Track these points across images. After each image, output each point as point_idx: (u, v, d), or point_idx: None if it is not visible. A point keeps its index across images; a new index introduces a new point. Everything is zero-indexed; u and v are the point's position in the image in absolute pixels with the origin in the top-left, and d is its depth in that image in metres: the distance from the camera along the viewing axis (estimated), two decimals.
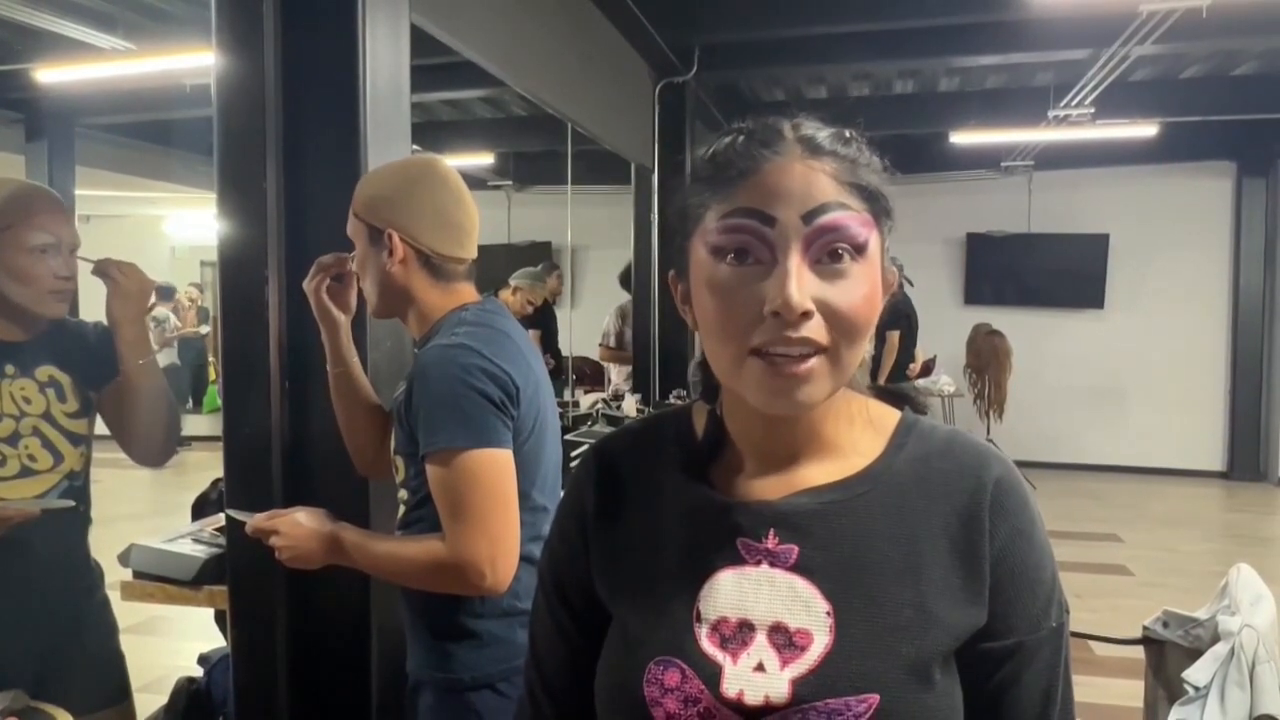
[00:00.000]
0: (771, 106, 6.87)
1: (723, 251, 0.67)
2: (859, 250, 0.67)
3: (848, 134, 0.70)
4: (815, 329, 0.65)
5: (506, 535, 1.30)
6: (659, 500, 0.76)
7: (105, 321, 1.74)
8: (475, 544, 1.28)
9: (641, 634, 0.71)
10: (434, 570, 1.31)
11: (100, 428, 1.78)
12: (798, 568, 0.69)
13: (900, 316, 6.18)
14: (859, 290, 0.66)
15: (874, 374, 6.06)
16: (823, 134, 0.69)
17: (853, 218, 0.66)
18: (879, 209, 0.69)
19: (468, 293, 1.47)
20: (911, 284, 6.34)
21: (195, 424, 9.47)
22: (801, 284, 0.64)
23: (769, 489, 0.73)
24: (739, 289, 0.66)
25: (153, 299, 1.71)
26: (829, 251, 0.66)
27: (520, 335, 1.46)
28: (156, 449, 1.80)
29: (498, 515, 1.30)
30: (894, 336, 6.16)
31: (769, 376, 0.65)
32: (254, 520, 1.40)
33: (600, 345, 6.02)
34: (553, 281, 5.98)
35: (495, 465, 1.30)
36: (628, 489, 0.78)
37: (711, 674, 0.67)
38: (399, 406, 1.39)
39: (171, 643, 3.96)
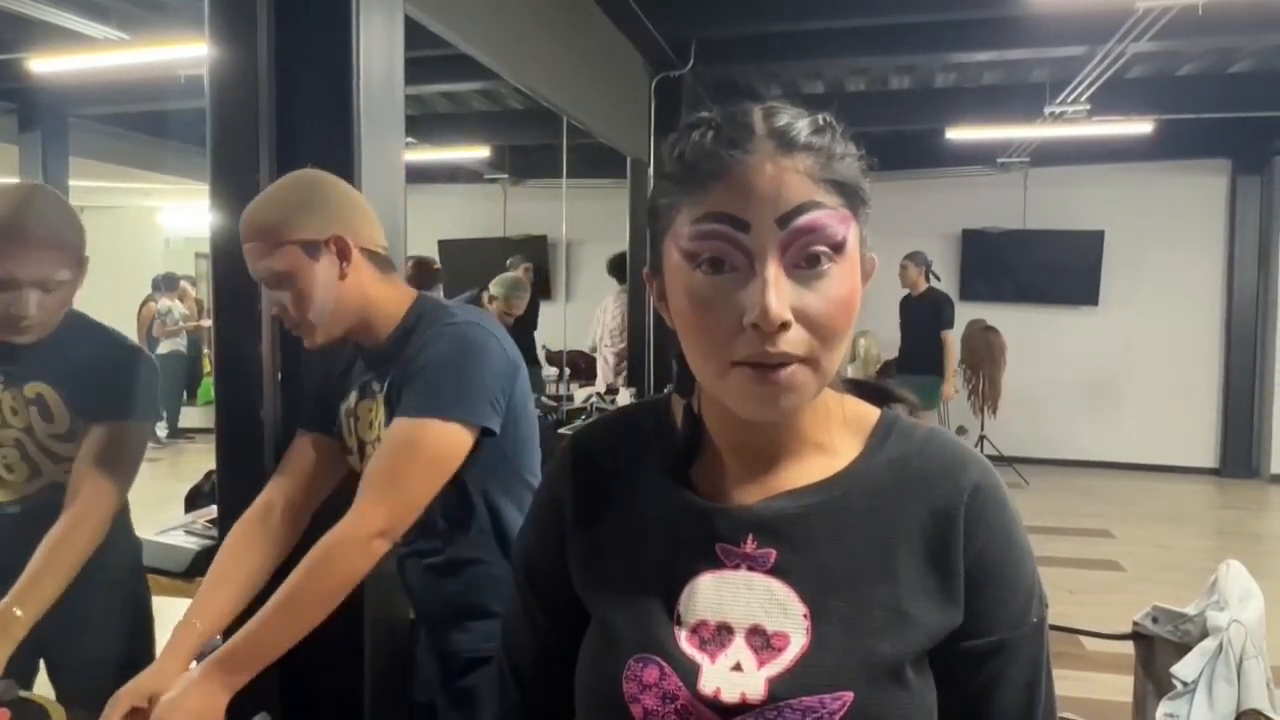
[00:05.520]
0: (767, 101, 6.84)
1: (696, 258, 0.65)
2: (837, 249, 0.65)
3: (822, 121, 0.67)
4: (793, 341, 0.63)
5: (417, 509, 1.30)
6: (639, 499, 0.76)
7: (124, 344, 1.70)
8: (396, 515, 1.26)
9: (622, 632, 0.71)
10: (333, 562, 1.25)
11: None
12: (775, 571, 0.69)
13: (948, 316, 6.09)
14: (838, 292, 0.65)
15: (942, 375, 5.97)
16: (797, 125, 0.65)
17: (829, 215, 0.64)
18: (855, 201, 0.67)
19: (407, 287, 1.47)
20: (939, 279, 6.30)
21: (189, 416, 9.46)
22: (780, 294, 0.62)
23: (748, 492, 0.73)
24: (716, 299, 0.64)
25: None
26: (806, 255, 0.64)
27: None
28: None
29: (425, 488, 1.29)
30: (949, 335, 6.08)
31: (753, 384, 0.64)
32: None
33: (620, 346, 5.71)
34: (523, 275, 5.44)
35: (457, 440, 1.29)
36: (607, 486, 0.78)
37: (689, 672, 0.68)
38: (390, 395, 1.37)
39: (163, 634, 3.95)
